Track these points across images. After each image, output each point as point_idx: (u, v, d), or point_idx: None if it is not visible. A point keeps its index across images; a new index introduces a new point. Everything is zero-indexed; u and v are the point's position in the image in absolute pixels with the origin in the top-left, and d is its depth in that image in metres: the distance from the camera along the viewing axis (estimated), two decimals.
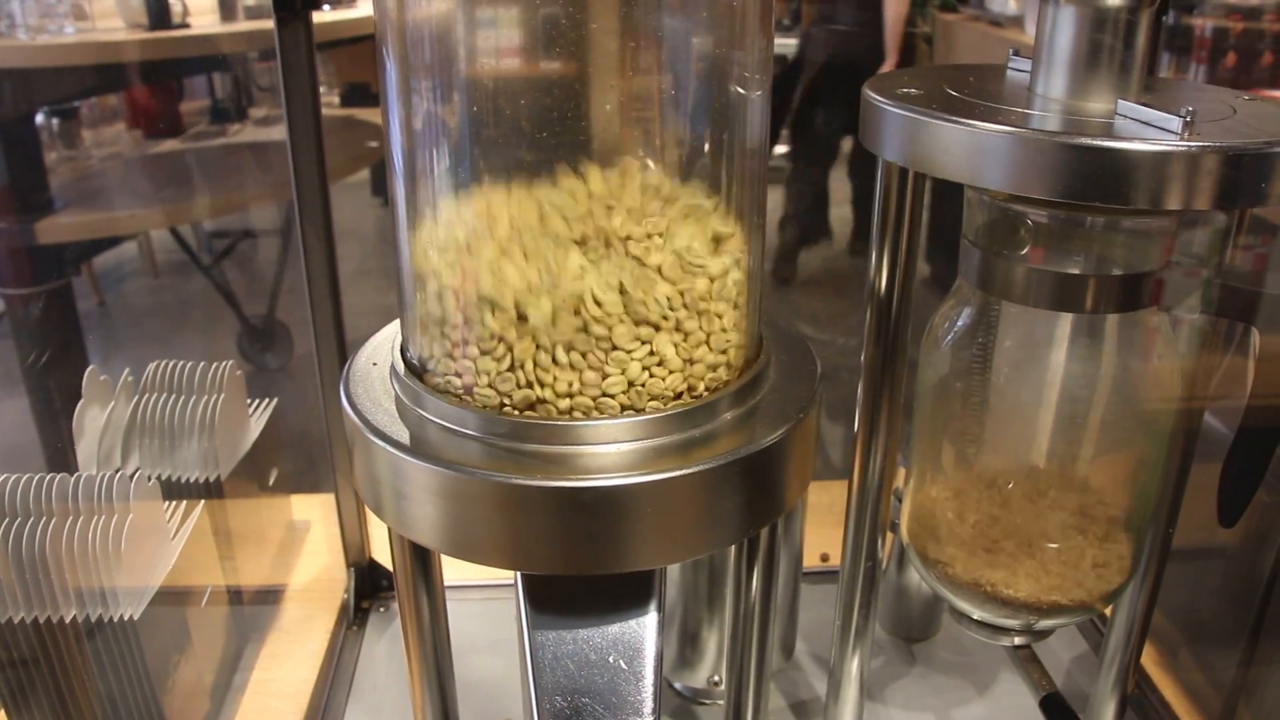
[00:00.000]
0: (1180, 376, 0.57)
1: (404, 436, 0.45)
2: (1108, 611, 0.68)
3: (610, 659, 0.46)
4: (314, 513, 0.93)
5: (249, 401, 0.85)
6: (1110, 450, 0.57)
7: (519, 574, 0.47)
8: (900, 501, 0.64)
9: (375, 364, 0.51)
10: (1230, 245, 0.56)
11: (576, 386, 0.43)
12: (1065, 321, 0.56)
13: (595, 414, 0.43)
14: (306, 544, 0.90)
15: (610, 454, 0.43)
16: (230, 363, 0.79)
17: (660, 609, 0.47)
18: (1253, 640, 0.71)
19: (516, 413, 0.43)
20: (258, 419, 0.84)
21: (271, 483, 0.86)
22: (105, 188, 2.10)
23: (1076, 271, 0.53)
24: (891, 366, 0.56)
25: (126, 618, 0.63)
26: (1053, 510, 0.57)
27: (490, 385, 0.43)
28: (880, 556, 0.60)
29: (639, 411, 0.43)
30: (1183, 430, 0.59)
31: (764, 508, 0.46)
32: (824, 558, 0.84)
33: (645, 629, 0.46)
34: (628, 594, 0.47)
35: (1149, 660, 0.76)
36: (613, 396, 0.43)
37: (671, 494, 0.42)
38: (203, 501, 0.73)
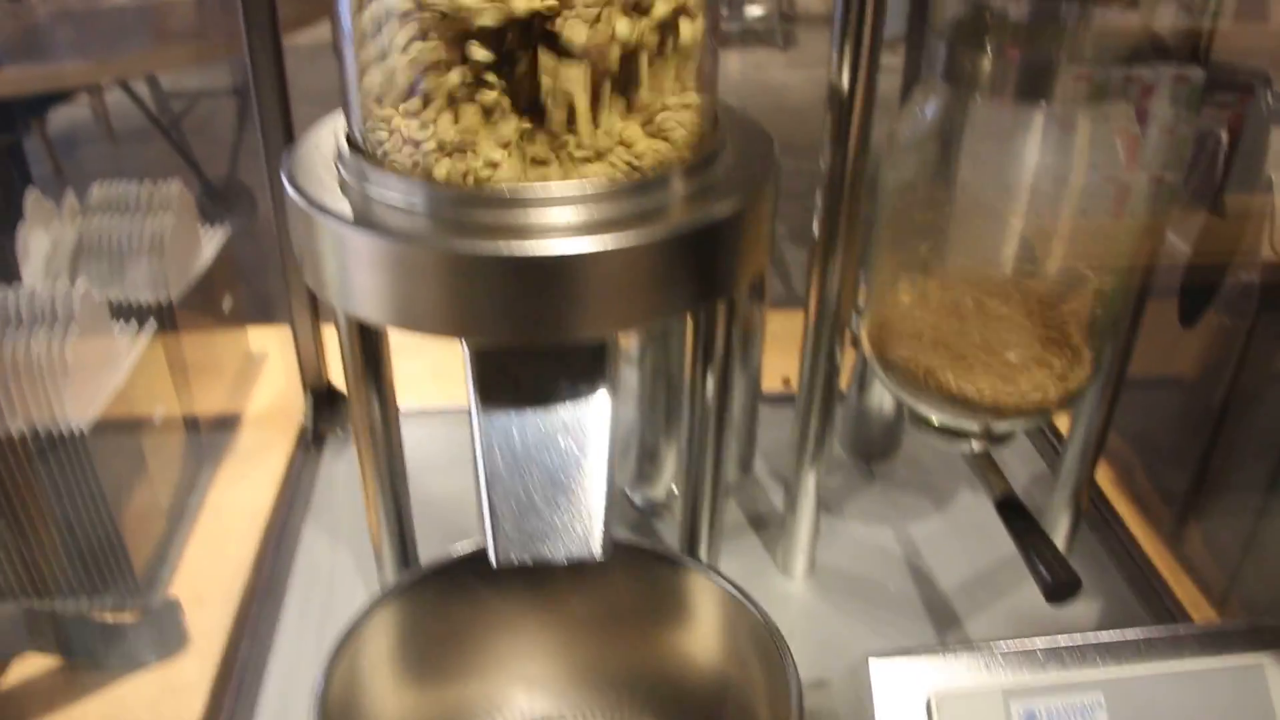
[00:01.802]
0: (1150, 184, 0.56)
1: (347, 211, 0.43)
2: (1065, 430, 0.68)
3: (561, 442, 0.45)
4: (271, 345, 0.92)
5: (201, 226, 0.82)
6: (1074, 253, 0.57)
7: (468, 357, 0.46)
8: (860, 314, 0.63)
9: (318, 147, 0.49)
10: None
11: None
12: (1034, 118, 0.54)
13: (541, 183, 0.41)
14: (264, 374, 0.89)
15: (558, 224, 0.41)
16: (178, 180, 0.77)
17: (612, 391, 0.46)
18: (1204, 462, 0.71)
19: (458, 179, 0.41)
20: (210, 242, 0.81)
21: (227, 312, 0.84)
22: (50, 41, 2.03)
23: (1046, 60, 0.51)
24: (852, 173, 0.55)
25: (76, 433, 0.62)
26: (1014, 311, 0.56)
27: (425, 144, 0.41)
28: (838, 364, 0.59)
29: (587, 183, 0.42)
30: (1148, 237, 0.58)
31: (715, 281, 0.45)
32: (785, 381, 0.84)
33: (596, 411, 0.46)
34: (578, 374, 0.46)
35: (1105, 480, 0.77)
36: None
37: (619, 263, 0.41)
38: (153, 321, 0.71)
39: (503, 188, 0.41)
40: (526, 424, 0.45)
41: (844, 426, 0.78)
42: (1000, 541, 0.58)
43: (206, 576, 0.69)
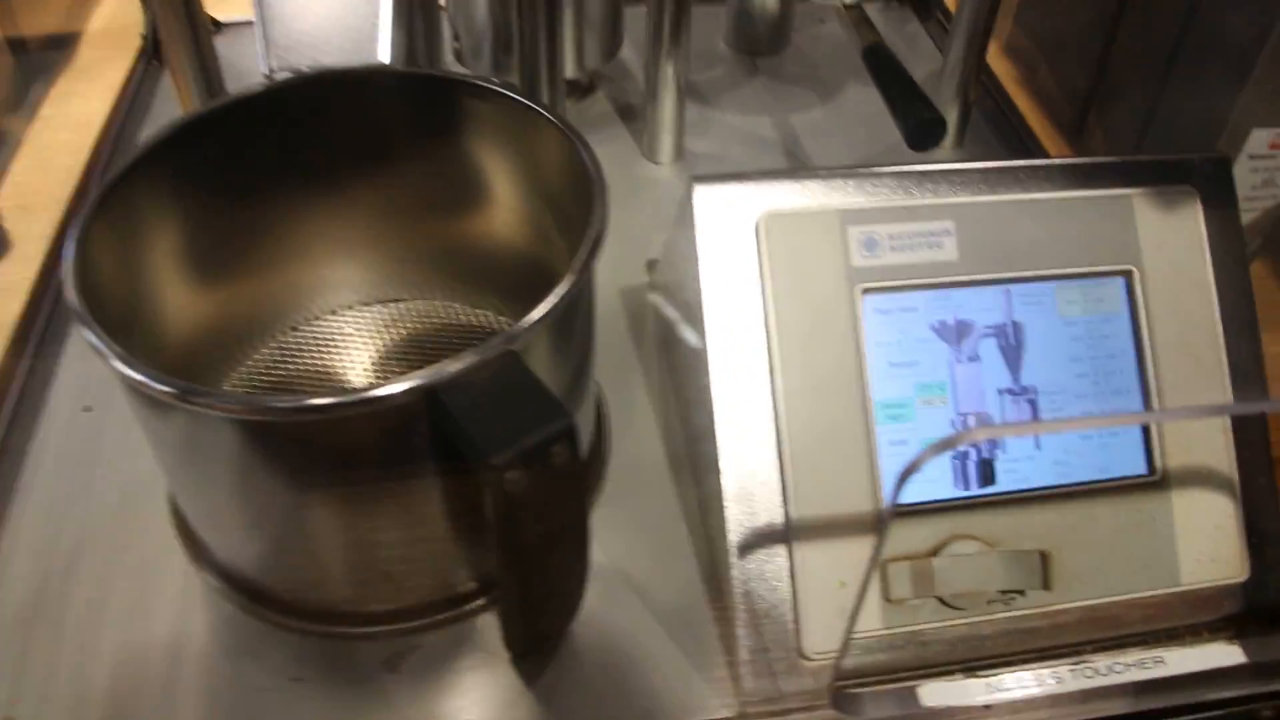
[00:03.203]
0: None
1: None
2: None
3: None
4: None
5: None
6: None
7: None
8: None
9: None
10: None
11: None
12: None
13: None
14: None
15: None
16: None
17: None
18: (1103, 60, 0.66)
19: None
20: None
21: None
22: None
23: None
24: None
25: None
26: None
27: None
28: None
29: None
30: None
31: None
32: None
33: None
34: None
35: (1009, 79, 0.72)
36: None
37: None
38: None
39: None
40: None
41: (728, 22, 0.71)
42: (887, 130, 0.53)
43: (34, 186, 0.64)
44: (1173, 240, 0.44)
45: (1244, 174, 0.54)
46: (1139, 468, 0.43)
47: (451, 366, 0.33)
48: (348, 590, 0.41)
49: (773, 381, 0.41)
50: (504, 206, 0.49)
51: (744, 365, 0.41)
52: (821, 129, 0.65)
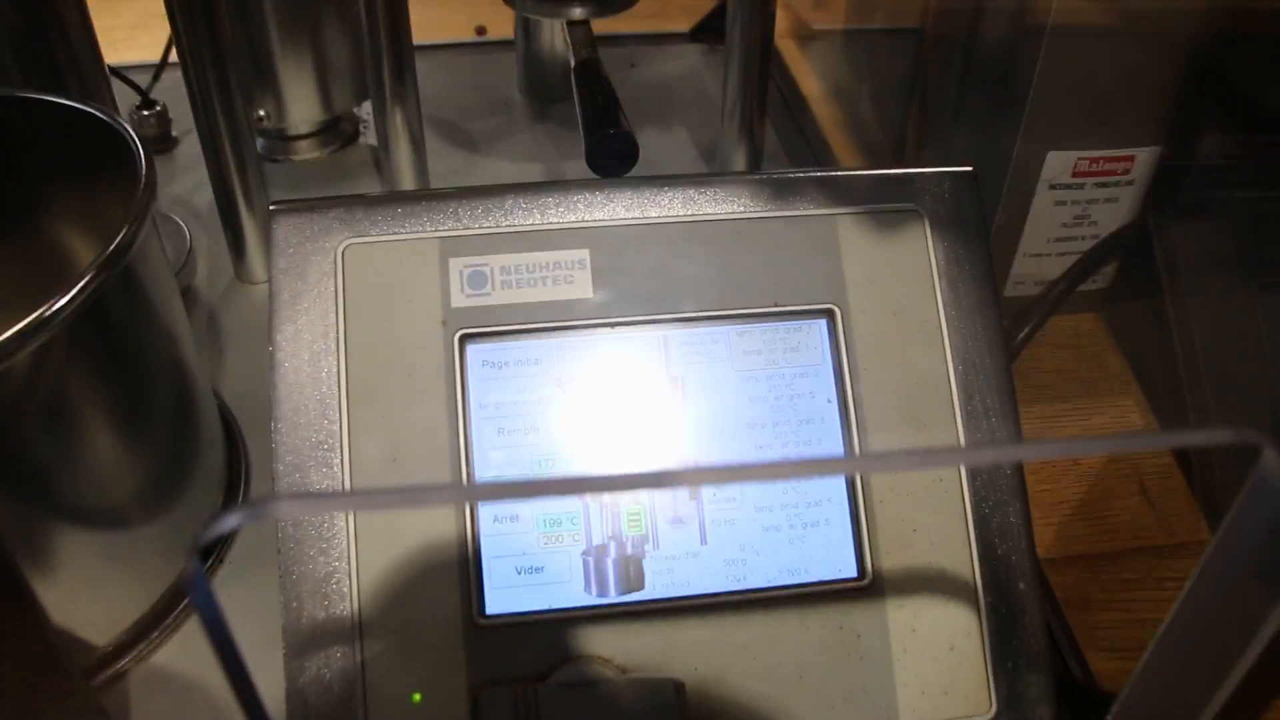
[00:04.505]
0: None
1: None
2: None
3: None
4: None
5: None
6: None
7: None
8: None
9: None
10: None
11: None
12: None
13: None
14: None
15: None
16: None
17: None
18: (912, 100, 0.57)
19: None
20: None
21: None
22: None
23: None
24: None
25: None
26: None
27: None
28: None
29: None
30: None
31: None
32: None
33: None
34: None
35: (830, 122, 0.63)
36: None
37: None
38: None
39: None
40: None
41: (517, 68, 0.64)
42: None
43: None
44: (888, 272, 0.34)
45: (1045, 209, 0.45)
46: (843, 568, 0.32)
47: None
48: None
49: (342, 453, 0.32)
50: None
51: (312, 430, 0.32)
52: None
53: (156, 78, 0.58)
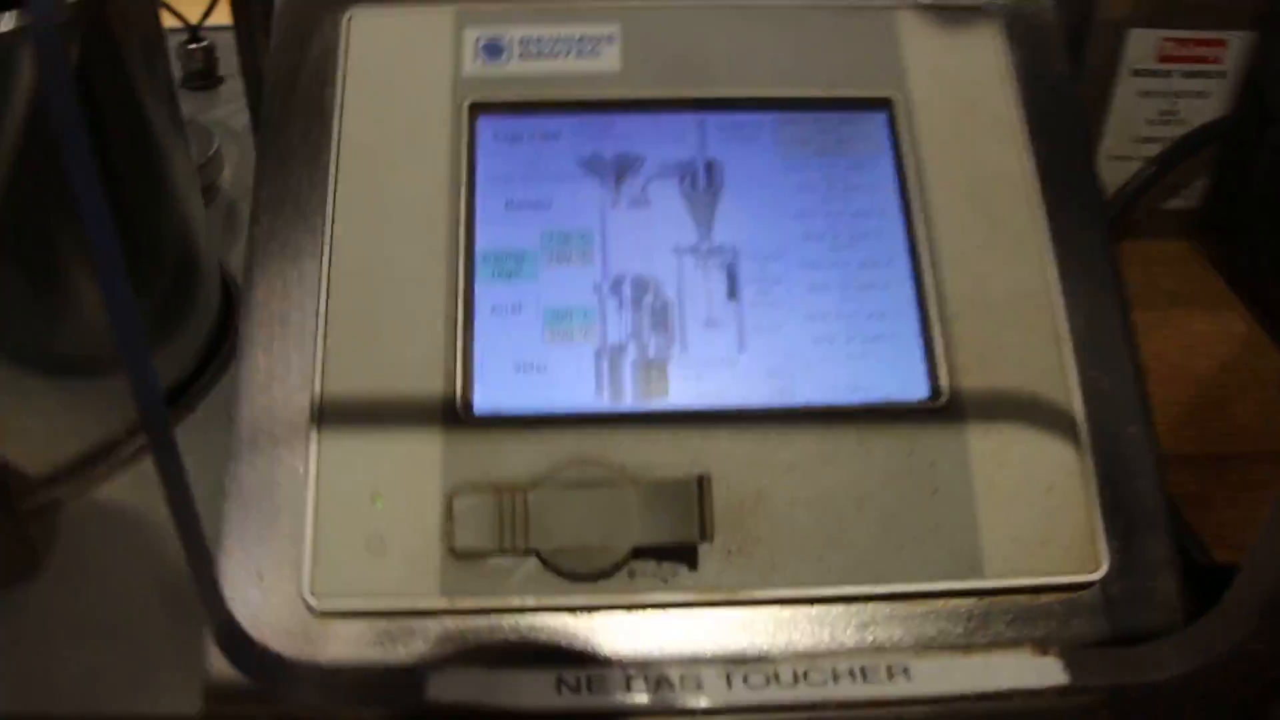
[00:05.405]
0: None
1: None
2: None
3: None
4: None
5: None
6: None
7: None
8: None
9: None
10: None
11: None
12: None
13: None
14: None
15: None
16: None
17: None
18: None
19: None
20: None
21: None
22: None
23: None
24: None
25: None
26: None
27: None
28: None
29: None
30: None
31: None
32: None
33: None
34: None
35: None
36: None
37: None
38: None
39: None
40: None
41: None
42: None
43: None
44: (956, 66, 0.30)
45: (1129, 98, 0.40)
46: (914, 388, 0.26)
47: None
48: None
49: (325, 214, 0.27)
50: None
51: (295, 194, 0.27)
52: None
53: (207, 14, 0.56)
